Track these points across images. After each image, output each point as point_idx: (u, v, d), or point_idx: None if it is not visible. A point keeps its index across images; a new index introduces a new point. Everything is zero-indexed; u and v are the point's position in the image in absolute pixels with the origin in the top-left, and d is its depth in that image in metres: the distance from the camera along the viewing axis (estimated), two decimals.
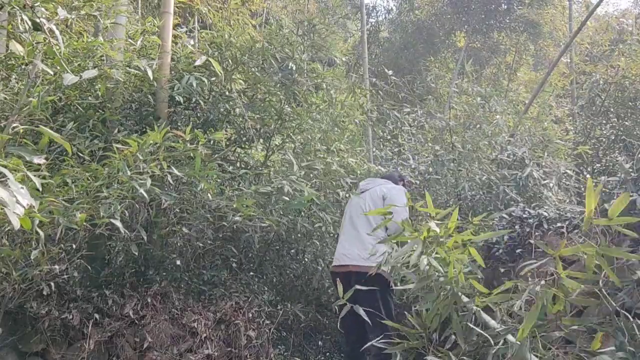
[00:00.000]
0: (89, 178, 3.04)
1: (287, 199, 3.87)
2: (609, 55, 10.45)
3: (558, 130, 7.83)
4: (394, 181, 4.04)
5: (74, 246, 3.24)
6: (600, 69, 7.62)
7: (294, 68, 4.30)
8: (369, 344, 3.02)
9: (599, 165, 6.25)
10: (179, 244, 3.98)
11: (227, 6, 6.13)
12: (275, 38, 4.49)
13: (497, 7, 11.84)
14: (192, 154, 3.41)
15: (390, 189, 3.83)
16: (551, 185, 4.89)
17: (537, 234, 3.63)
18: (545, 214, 3.75)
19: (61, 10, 3.01)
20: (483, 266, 2.49)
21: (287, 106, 4.44)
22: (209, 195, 3.48)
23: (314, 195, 3.90)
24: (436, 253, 2.34)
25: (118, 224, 2.87)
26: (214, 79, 4.21)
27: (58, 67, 3.32)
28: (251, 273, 4.32)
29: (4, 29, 3.62)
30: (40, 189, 2.30)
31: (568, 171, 5.17)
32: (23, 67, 3.73)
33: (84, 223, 2.82)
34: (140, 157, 3.10)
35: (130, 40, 4.40)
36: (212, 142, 3.94)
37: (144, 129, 3.79)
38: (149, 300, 3.62)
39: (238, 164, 4.48)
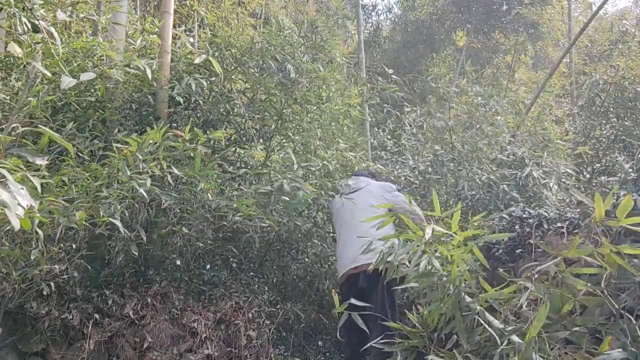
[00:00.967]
0: (89, 178, 3.03)
1: (287, 198, 3.86)
2: (608, 55, 10.45)
3: (558, 130, 7.82)
4: (375, 178, 4.32)
5: (73, 246, 3.22)
6: (600, 69, 7.61)
7: (292, 69, 4.29)
8: (369, 344, 3.02)
9: (599, 165, 6.23)
10: (179, 244, 3.96)
11: (223, 6, 6.12)
12: (276, 38, 4.48)
13: (498, 7, 11.84)
14: (192, 154, 3.40)
15: (385, 184, 4.13)
16: (551, 185, 4.89)
17: (537, 234, 3.62)
18: (545, 214, 3.74)
19: (60, 13, 3.00)
20: (487, 266, 2.49)
21: (287, 107, 4.43)
22: (209, 195, 3.47)
23: (314, 194, 3.90)
24: (439, 252, 2.34)
25: (118, 223, 2.86)
26: (213, 79, 4.21)
27: (56, 68, 3.31)
28: (251, 273, 4.31)
29: (2, 29, 3.61)
30: (40, 190, 2.29)
31: (568, 170, 5.16)
32: (22, 66, 3.72)
33: (84, 223, 2.81)
34: (140, 157, 3.09)
35: (130, 40, 4.39)
36: (212, 141, 3.93)
37: (144, 129, 3.77)
38: (149, 300, 3.60)
39: (238, 164, 4.47)
